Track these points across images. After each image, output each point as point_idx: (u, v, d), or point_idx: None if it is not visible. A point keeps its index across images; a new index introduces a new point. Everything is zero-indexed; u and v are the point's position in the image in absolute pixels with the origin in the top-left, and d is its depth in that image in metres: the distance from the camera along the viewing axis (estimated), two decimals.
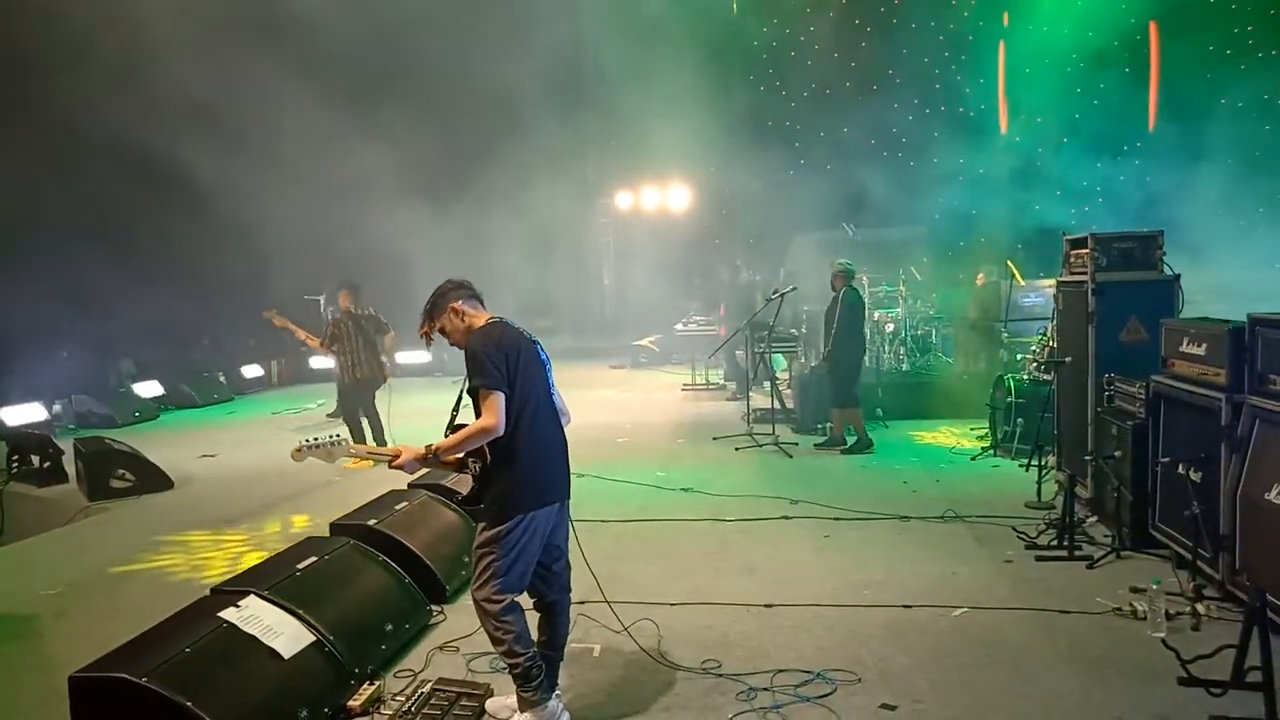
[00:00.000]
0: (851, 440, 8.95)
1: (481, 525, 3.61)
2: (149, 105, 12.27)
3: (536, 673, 3.58)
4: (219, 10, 12.85)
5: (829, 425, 9.38)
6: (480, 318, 3.71)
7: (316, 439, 3.90)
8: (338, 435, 3.98)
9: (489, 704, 3.85)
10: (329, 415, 11.89)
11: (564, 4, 16.74)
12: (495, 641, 3.58)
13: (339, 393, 8.97)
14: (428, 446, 3.58)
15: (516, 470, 3.53)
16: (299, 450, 3.87)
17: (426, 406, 11.29)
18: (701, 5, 17.32)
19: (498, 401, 3.43)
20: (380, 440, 8.86)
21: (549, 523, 3.65)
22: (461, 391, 3.65)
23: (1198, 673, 3.71)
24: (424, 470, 3.89)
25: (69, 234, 12.89)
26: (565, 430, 3.82)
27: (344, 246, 14.13)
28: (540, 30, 15.74)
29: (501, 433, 3.45)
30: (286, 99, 12.70)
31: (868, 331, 10.89)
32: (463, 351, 3.58)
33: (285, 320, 9.25)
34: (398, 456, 3.61)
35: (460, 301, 3.71)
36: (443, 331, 3.72)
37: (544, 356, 3.75)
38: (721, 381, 14.02)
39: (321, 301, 11.74)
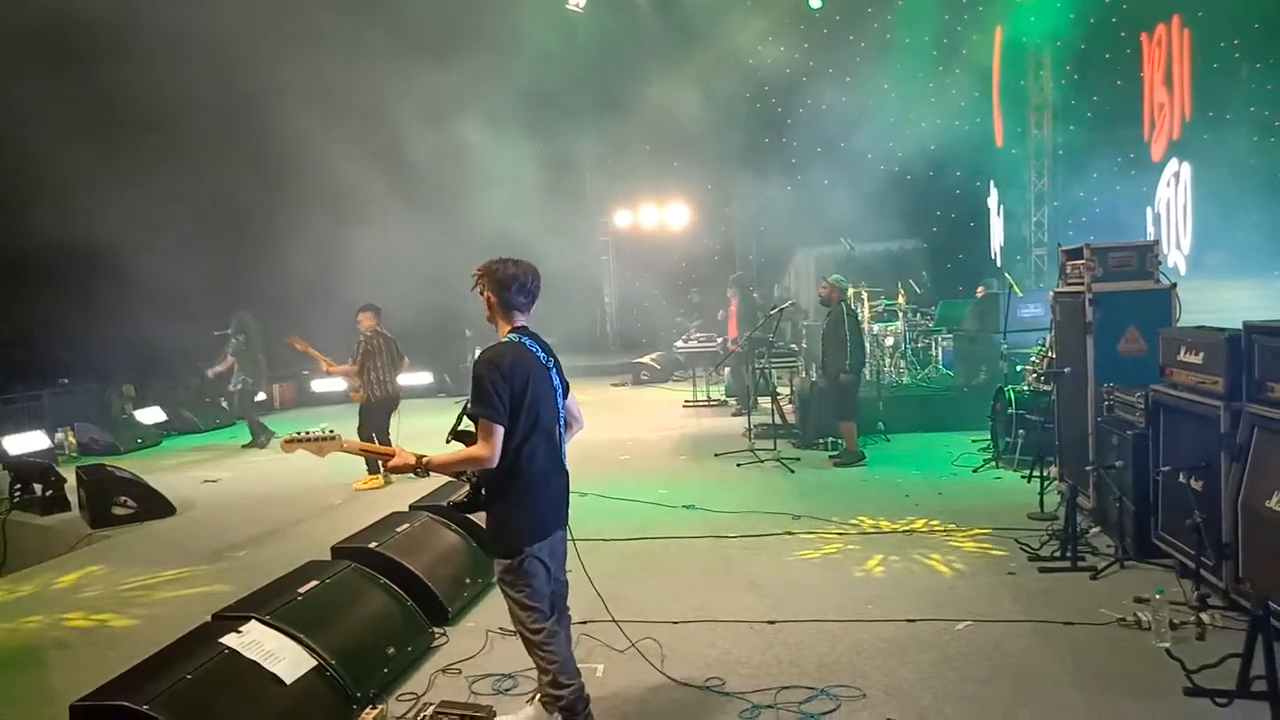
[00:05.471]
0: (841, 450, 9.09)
1: (494, 558, 3.65)
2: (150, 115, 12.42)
3: (582, 707, 3.59)
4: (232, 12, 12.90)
5: (834, 439, 9.47)
6: (509, 327, 3.64)
7: (308, 431, 3.83)
8: (329, 429, 3.88)
9: None
10: (244, 446, 11.90)
11: (560, 21, 16.89)
12: (541, 671, 3.61)
13: (361, 411, 9.05)
14: (419, 457, 3.56)
15: (515, 504, 3.54)
16: (290, 441, 3.79)
17: (432, 427, 11.34)
18: (696, 21, 17.47)
19: (495, 434, 3.39)
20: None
21: (552, 544, 3.67)
22: (468, 401, 3.60)
23: (1203, 682, 3.69)
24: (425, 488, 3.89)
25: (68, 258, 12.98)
26: (573, 440, 3.81)
27: (344, 264, 14.16)
28: (534, 44, 15.87)
29: (494, 465, 3.43)
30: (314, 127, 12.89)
31: (868, 345, 10.93)
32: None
33: (306, 345, 9.33)
34: (392, 456, 3.60)
35: (498, 298, 3.62)
36: (482, 293, 3.67)
37: (557, 382, 3.67)
38: (723, 397, 14.01)
39: (229, 335, 11.94)
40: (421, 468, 3.55)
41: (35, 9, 11.08)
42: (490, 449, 3.39)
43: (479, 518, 3.84)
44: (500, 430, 3.41)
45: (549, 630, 3.57)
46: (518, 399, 3.45)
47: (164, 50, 11.95)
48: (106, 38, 11.20)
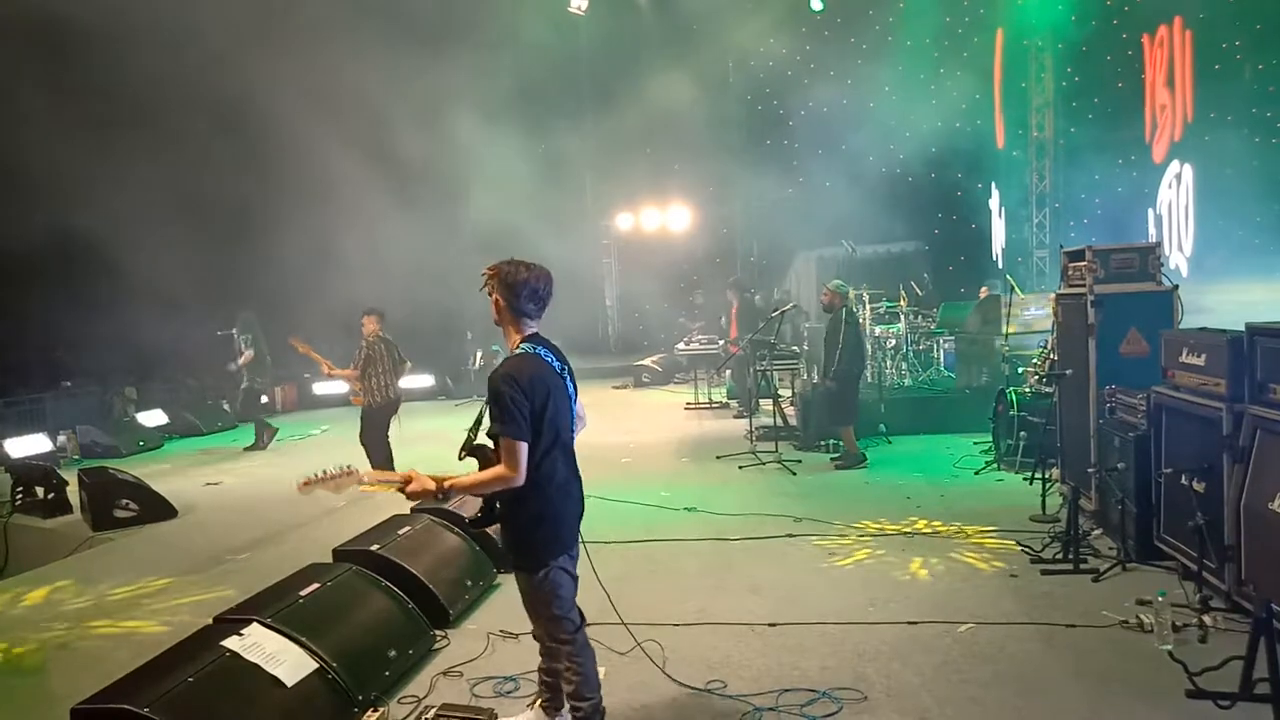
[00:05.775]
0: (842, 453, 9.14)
1: (518, 573, 3.58)
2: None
3: None
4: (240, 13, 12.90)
5: (835, 441, 9.47)
6: (519, 335, 3.54)
7: (325, 470, 3.64)
8: (348, 465, 3.70)
9: None
10: (245, 449, 11.94)
11: (561, 23, 16.89)
12: (565, 681, 3.57)
13: (363, 415, 9.05)
14: (439, 482, 3.43)
15: (536, 519, 3.45)
16: (307, 484, 3.57)
17: (433, 431, 11.37)
18: (696, 23, 17.46)
19: (520, 452, 3.30)
20: (389, 467, 8.89)
21: (572, 552, 3.63)
22: (481, 413, 3.53)
23: (1205, 685, 3.68)
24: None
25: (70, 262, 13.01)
26: (576, 440, 3.74)
27: (344, 264, 14.17)
28: (536, 46, 15.86)
29: (521, 484, 3.34)
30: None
31: (869, 347, 10.94)
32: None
33: (308, 347, 9.33)
34: (409, 482, 3.44)
35: (507, 303, 3.52)
36: (491, 294, 3.55)
37: (571, 390, 3.60)
38: (724, 400, 14.00)
39: (235, 334, 12.01)
40: (443, 492, 3.43)
41: (31, 6, 11.09)
42: (516, 469, 3.30)
43: None
44: (524, 448, 3.31)
45: (579, 642, 3.51)
46: (538, 414, 3.36)
47: (162, 49, 11.97)
48: (103, 35, 11.22)
